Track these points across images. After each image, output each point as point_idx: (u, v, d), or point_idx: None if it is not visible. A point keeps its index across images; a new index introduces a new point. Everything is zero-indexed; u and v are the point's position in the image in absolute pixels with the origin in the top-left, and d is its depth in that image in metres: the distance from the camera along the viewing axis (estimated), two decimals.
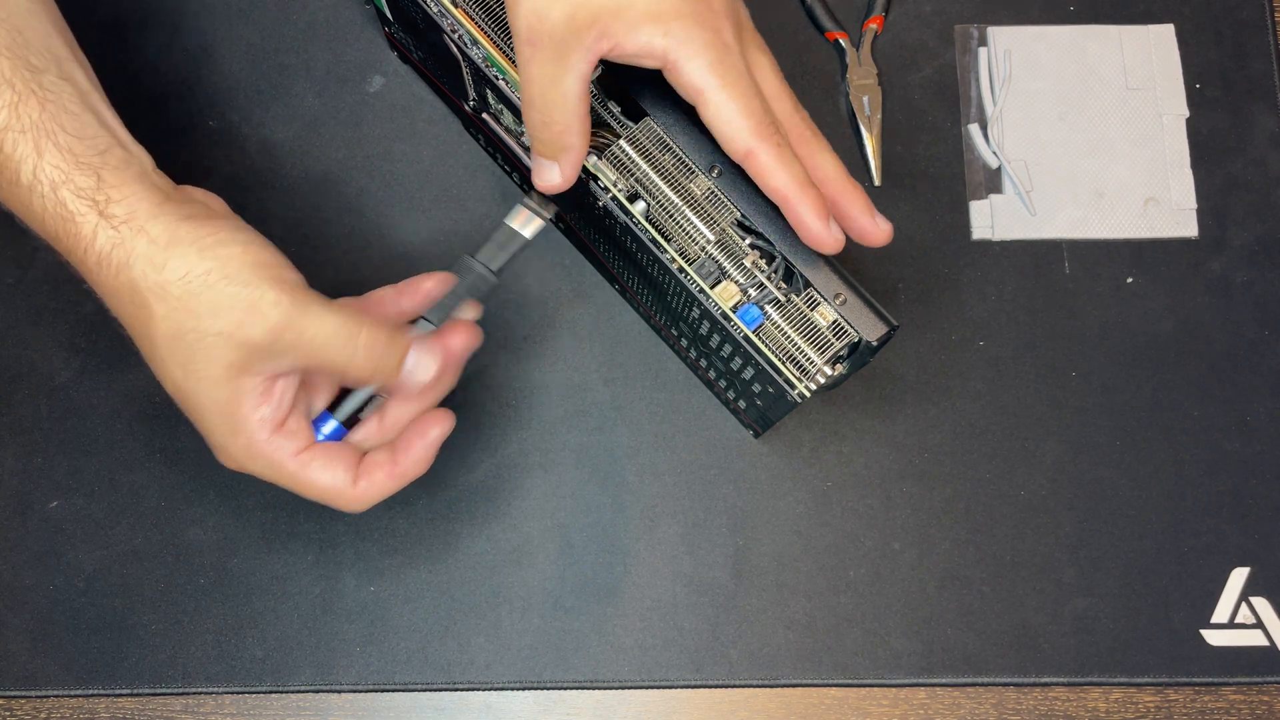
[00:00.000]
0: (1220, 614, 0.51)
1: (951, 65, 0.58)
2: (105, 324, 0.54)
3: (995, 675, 0.50)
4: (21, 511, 0.52)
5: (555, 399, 0.53)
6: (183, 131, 0.56)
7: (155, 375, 0.41)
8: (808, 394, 0.42)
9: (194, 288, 0.38)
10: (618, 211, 0.43)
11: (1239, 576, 0.51)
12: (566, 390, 0.53)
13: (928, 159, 0.56)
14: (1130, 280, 0.55)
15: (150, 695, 0.50)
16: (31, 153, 0.38)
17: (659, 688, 0.50)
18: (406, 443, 0.43)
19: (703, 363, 0.50)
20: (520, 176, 0.54)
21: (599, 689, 0.50)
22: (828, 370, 0.41)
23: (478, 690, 0.50)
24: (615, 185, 0.43)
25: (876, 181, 0.56)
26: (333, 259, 0.55)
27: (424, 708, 0.50)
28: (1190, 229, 0.55)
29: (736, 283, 0.42)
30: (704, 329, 0.45)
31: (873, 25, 0.58)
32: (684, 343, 0.50)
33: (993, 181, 0.56)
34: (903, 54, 0.58)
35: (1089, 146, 0.56)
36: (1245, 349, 0.54)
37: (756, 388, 0.45)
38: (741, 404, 0.50)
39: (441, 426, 0.43)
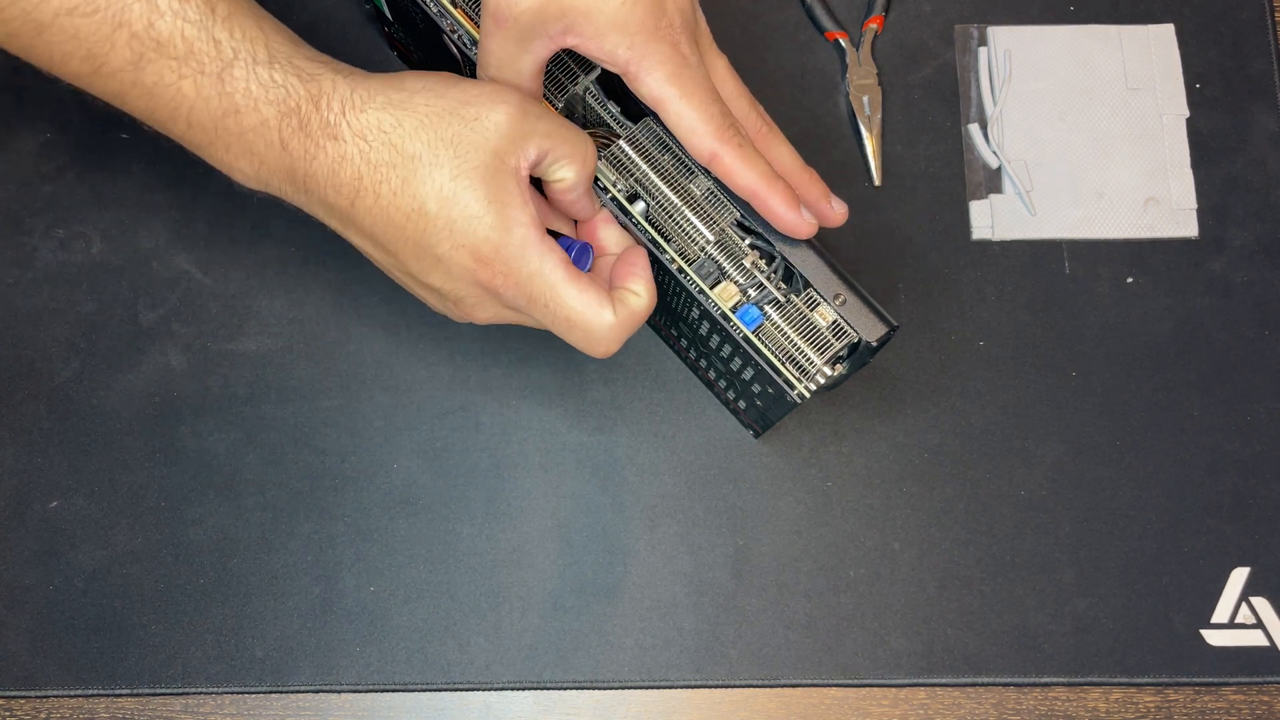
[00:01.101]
0: (1220, 614, 0.51)
1: (951, 65, 0.58)
2: (105, 324, 0.54)
3: (995, 675, 0.50)
4: (21, 511, 0.52)
5: (555, 399, 0.53)
6: None
7: (407, 218, 0.40)
8: (808, 394, 0.42)
9: (438, 90, 0.40)
10: (617, 212, 0.43)
11: (1239, 576, 0.51)
12: (566, 390, 0.53)
13: (928, 159, 0.56)
14: (1130, 280, 0.55)
15: (150, 695, 0.50)
16: (258, 32, 0.40)
17: (659, 688, 0.50)
18: (628, 271, 0.42)
19: (703, 363, 0.50)
20: None
21: (599, 689, 0.50)
22: (827, 370, 0.41)
23: (478, 690, 0.50)
24: (615, 185, 0.43)
25: (877, 181, 0.56)
26: (333, 259, 0.54)
27: (424, 708, 0.50)
28: (1190, 229, 0.55)
29: (736, 283, 0.42)
30: (704, 329, 0.45)
31: (873, 25, 0.58)
32: (684, 343, 0.50)
33: (993, 181, 0.56)
34: (903, 54, 0.58)
35: (1089, 146, 0.56)
36: (1245, 349, 0.54)
37: (756, 388, 0.45)
38: (741, 404, 0.50)
39: (644, 255, 0.43)
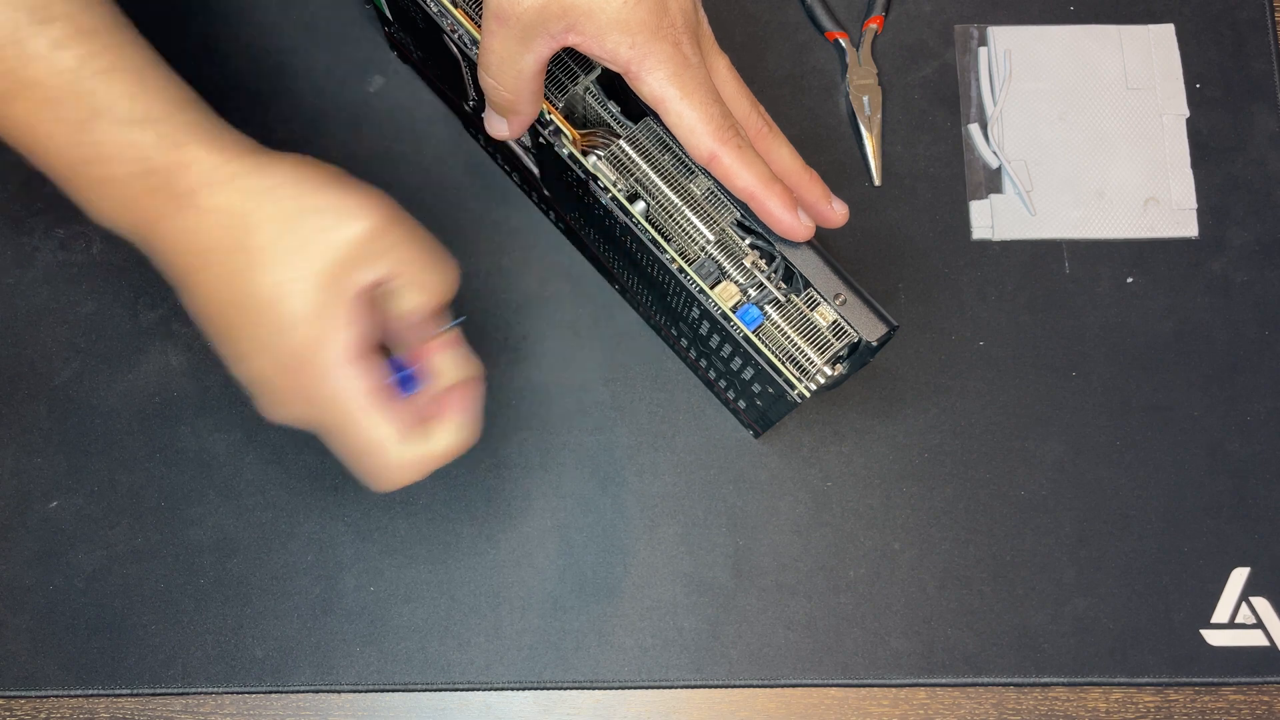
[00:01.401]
0: (1220, 614, 0.51)
1: (951, 65, 0.58)
2: (105, 324, 0.54)
3: (995, 675, 0.50)
4: (21, 512, 0.52)
5: (555, 399, 0.53)
6: None
7: (232, 304, 0.39)
8: (808, 394, 0.42)
9: (305, 188, 0.39)
10: (617, 212, 0.43)
11: (1239, 576, 0.51)
12: (566, 390, 0.53)
13: (928, 159, 0.56)
14: (1130, 280, 0.55)
15: (150, 695, 0.50)
16: (139, 89, 0.39)
17: (659, 688, 0.50)
18: (448, 407, 0.42)
19: (703, 363, 0.50)
20: (520, 176, 0.54)
21: (599, 689, 0.50)
22: (828, 370, 0.41)
23: (478, 690, 0.50)
24: (615, 185, 0.43)
25: (877, 181, 0.56)
26: None
27: (424, 708, 0.50)
28: (1190, 229, 0.55)
29: (736, 283, 0.42)
30: (704, 329, 0.45)
31: (873, 25, 0.58)
32: (684, 343, 0.50)
33: (993, 181, 0.56)
34: (903, 54, 0.58)
35: (1089, 146, 0.56)
36: (1245, 349, 0.54)
37: (756, 388, 0.45)
38: (741, 404, 0.50)
39: (477, 391, 0.43)
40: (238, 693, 0.50)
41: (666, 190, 0.43)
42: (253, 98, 0.56)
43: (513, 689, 0.50)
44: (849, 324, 0.42)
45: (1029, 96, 0.57)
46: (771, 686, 0.50)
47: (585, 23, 0.38)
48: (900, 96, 0.57)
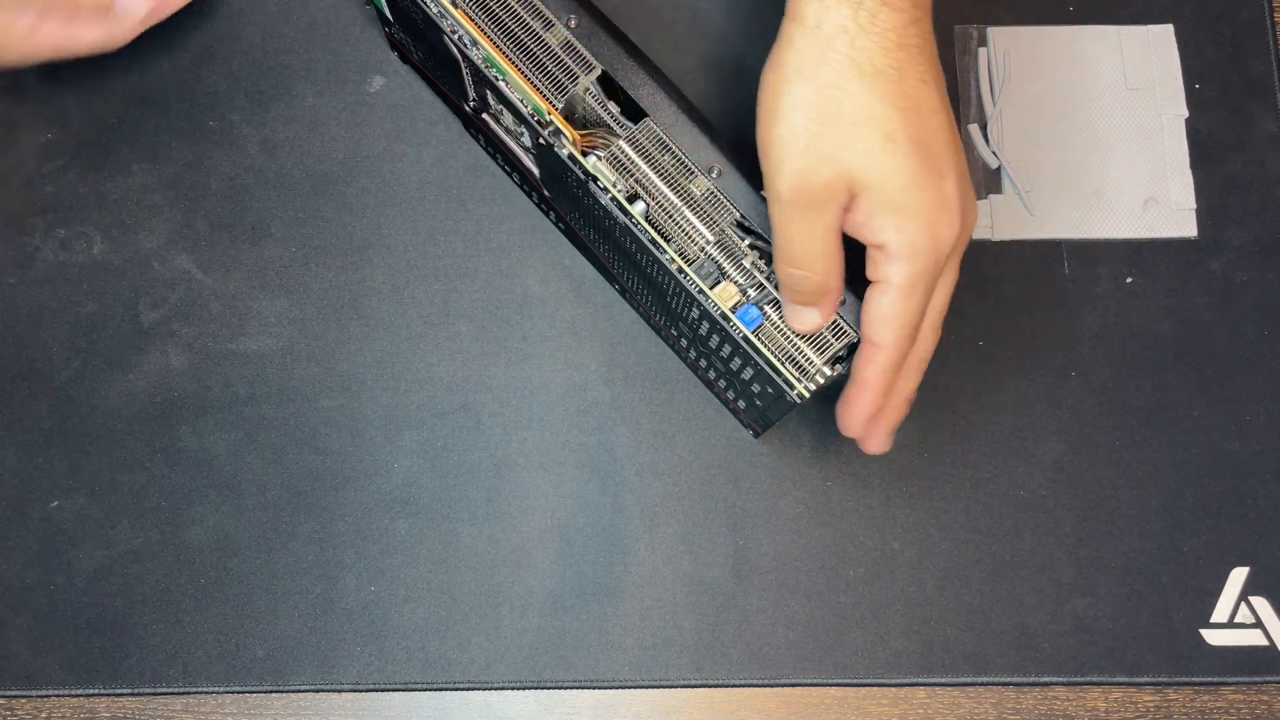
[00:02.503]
0: (1220, 614, 0.51)
1: (951, 65, 0.58)
2: (106, 324, 0.54)
3: (995, 675, 0.50)
4: (22, 511, 0.52)
5: (555, 399, 0.53)
6: (183, 131, 0.56)
7: None
8: (807, 394, 0.42)
9: None
10: (617, 212, 0.43)
11: (1239, 576, 0.51)
12: (566, 390, 0.53)
13: None
14: (1130, 280, 0.55)
15: (151, 695, 0.50)
16: None
17: (659, 687, 0.50)
18: None
19: (702, 363, 0.50)
20: (520, 176, 0.54)
21: (599, 689, 0.50)
22: (827, 371, 0.41)
23: (478, 690, 0.50)
24: (615, 186, 0.43)
25: None
26: (333, 259, 0.55)
27: (424, 707, 0.50)
28: (1190, 229, 0.55)
29: (736, 283, 0.42)
30: (703, 329, 0.45)
31: None
32: (684, 343, 0.50)
33: (992, 181, 0.56)
34: None
35: (1088, 146, 0.56)
36: (1245, 349, 0.54)
37: (756, 388, 0.45)
38: (741, 404, 0.50)
39: None
40: (238, 692, 0.50)
41: (666, 191, 0.43)
42: (253, 98, 0.57)
43: (513, 688, 0.50)
44: (847, 324, 0.42)
45: (1028, 97, 0.57)
46: (771, 686, 0.50)
47: (865, 198, 0.38)
48: None
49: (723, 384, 0.50)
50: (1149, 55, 0.57)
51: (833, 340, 0.42)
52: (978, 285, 0.55)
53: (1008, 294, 0.54)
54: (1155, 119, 0.57)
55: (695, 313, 0.44)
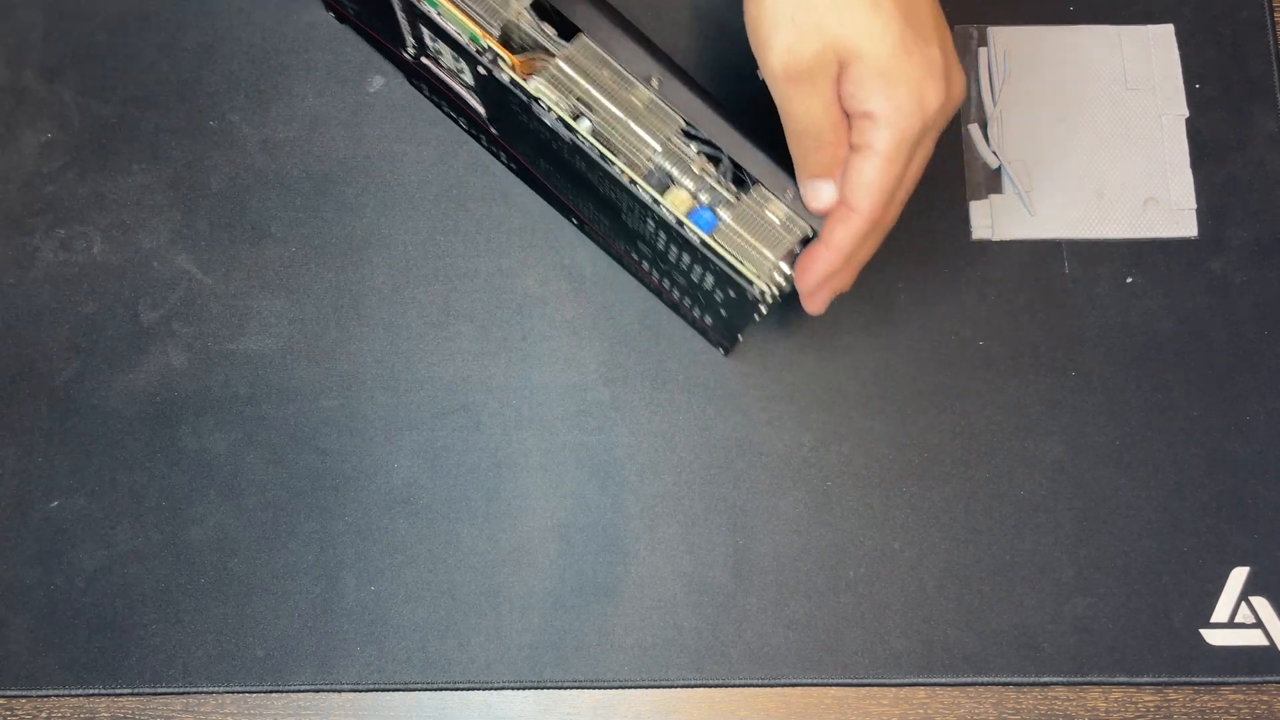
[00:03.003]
0: (1220, 614, 0.51)
1: None
2: (106, 324, 0.54)
3: (995, 675, 0.50)
4: (22, 511, 0.52)
5: (555, 399, 0.53)
6: (183, 131, 0.56)
7: None
8: (767, 291, 0.42)
9: None
10: (564, 131, 0.43)
11: (1239, 576, 0.51)
12: (566, 390, 0.53)
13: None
14: (1130, 280, 0.55)
15: (151, 695, 0.50)
16: None
17: (659, 687, 0.50)
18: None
19: (665, 282, 0.50)
20: (467, 120, 0.53)
21: (599, 688, 0.50)
22: (785, 268, 0.42)
23: (478, 690, 0.50)
24: (558, 105, 0.43)
25: None
26: (333, 259, 0.55)
27: (424, 707, 0.50)
28: (1190, 229, 0.55)
29: (686, 189, 0.42)
30: (660, 243, 0.45)
31: None
32: (645, 265, 0.50)
33: (992, 182, 0.56)
34: None
35: (1088, 146, 0.56)
36: (1245, 349, 0.54)
37: (719, 295, 0.45)
38: (708, 319, 0.50)
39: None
40: (238, 692, 0.50)
41: (609, 104, 0.43)
42: (253, 98, 0.57)
43: (513, 688, 0.50)
44: (800, 217, 0.42)
45: (1028, 97, 0.57)
46: (771, 686, 0.50)
47: (855, 65, 0.39)
48: None
49: (688, 301, 0.50)
50: (1149, 55, 0.57)
51: (786, 235, 0.42)
52: (978, 285, 0.55)
53: (1008, 294, 0.54)
54: (1155, 119, 0.57)
55: (651, 225, 0.44)
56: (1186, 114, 0.57)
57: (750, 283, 0.42)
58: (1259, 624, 0.50)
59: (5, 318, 0.54)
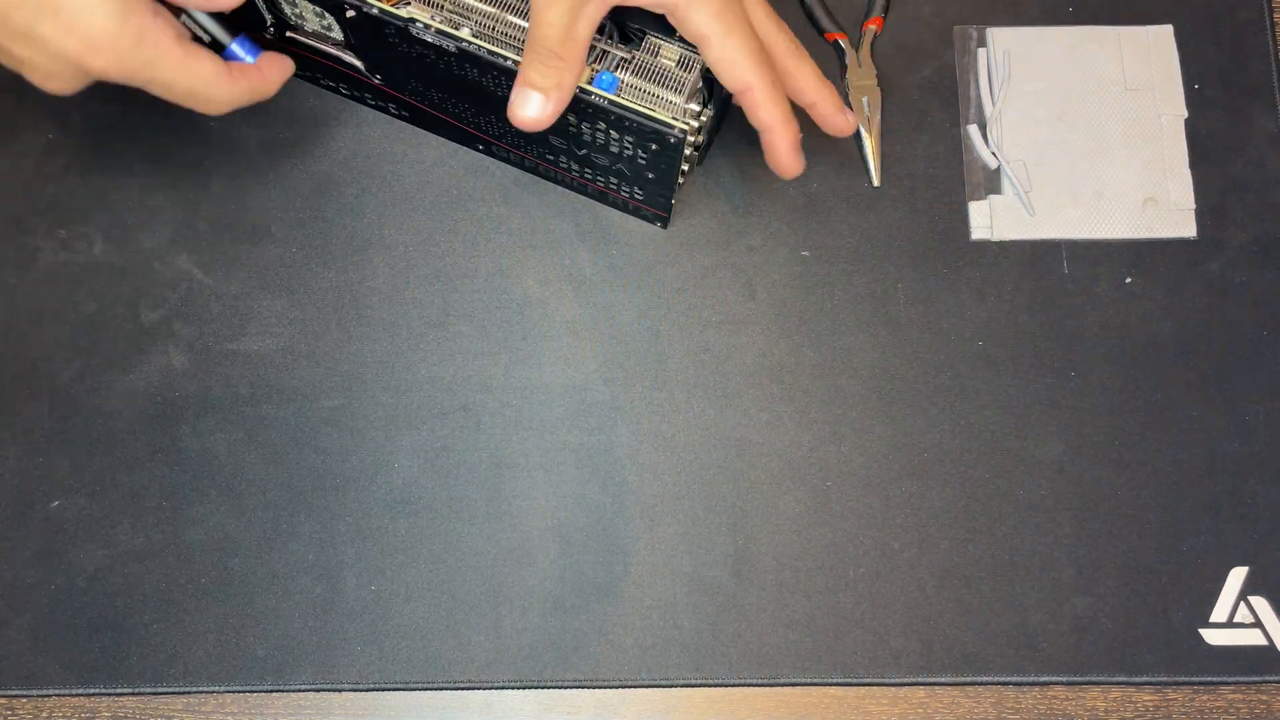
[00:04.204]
0: (1219, 613, 0.51)
1: (951, 66, 0.58)
2: (107, 324, 0.54)
3: (994, 674, 0.50)
4: (22, 511, 0.52)
5: (555, 399, 0.53)
6: (183, 131, 0.56)
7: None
8: (687, 129, 0.43)
9: None
10: (449, 44, 0.44)
11: (1238, 576, 0.51)
12: (566, 390, 0.53)
13: (927, 159, 0.56)
14: (1129, 280, 0.55)
15: (151, 694, 0.50)
16: None
17: (659, 686, 0.50)
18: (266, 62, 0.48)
19: (588, 173, 0.51)
20: (349, 84, 0.54)
21: (599, 688, 0.50)
22: (694, 107, 0.44)
23: (478, 689, 0.50)
24: (434, 19, 0.44)
25: (876, 182, 0.56)
26: (333, 259, 0.55)
27: (425, 706, 0.50)
28: (1189, 229, 0.55)
29: None
30: (572, 126, 0.46)
31: (872, 26, 0.58)
32: (563, 161, 0.51)
33: (992, 182, 0.56)
34: (902, 55, 0.58)
35: (1088, 147, 0.56)
36: (1244, 349, 0.54)
37: (642, 158, 0.46)
38: (638, 193, 0.51)
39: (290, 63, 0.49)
40: (239, 691, 0.50)
41: (480, 5, 0.45)
42: None
43: (513, 688, 0.50)
44: (692, 52, 0.44)
45: (1028, 97, 0.57)
46: (771, 685, 0.50)
47: None
48: (899, 97, 0.57)
49: (614, 181, 0.51)
50: (1148, 56, 0.57)
51: (684, 74, 0.44)
52: (977, 285, 0.55)
53: (1008, 294, 0.55)
54: (1155, 119, 0.57)
55: None
56: (1185, 114, 0.57)
57: (669, 125, 0.43)
58: (1258, 624, 0.51)
59: (6, 318, 0.54)
